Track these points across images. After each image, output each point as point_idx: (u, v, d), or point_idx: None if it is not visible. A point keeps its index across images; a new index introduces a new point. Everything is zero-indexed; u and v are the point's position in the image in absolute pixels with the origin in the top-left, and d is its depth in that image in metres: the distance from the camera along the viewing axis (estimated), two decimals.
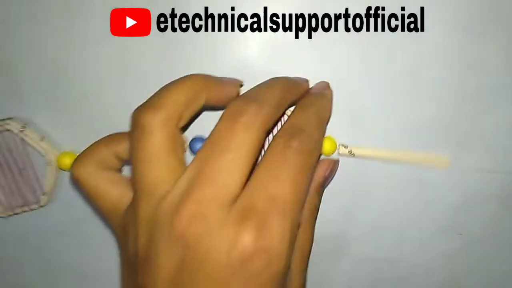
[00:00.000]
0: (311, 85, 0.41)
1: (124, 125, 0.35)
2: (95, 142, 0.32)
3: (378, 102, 0.43)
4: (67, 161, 0.39)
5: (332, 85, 0.42)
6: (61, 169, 0.40)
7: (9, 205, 0.41)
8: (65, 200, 0.42)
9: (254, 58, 0.43)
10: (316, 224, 0.40)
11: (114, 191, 0.29)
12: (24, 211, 0.41)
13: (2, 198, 0.41)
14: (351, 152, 0.41)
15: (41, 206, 0.41)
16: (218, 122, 0.28)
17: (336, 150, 0.41)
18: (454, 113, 0.43)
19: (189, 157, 0.39)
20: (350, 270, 0.46)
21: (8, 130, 0.39)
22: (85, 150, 0.32)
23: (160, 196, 0.25)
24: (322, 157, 0.41)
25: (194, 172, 0.25)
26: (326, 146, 0.40)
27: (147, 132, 0.26)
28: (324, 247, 0.44)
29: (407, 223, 0.44)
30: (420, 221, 0.44)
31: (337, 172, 0.42)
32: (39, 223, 0.43)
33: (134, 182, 0.27)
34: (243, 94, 0.31)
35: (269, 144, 0.29)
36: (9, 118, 0.40)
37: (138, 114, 0.27)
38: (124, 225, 0.28)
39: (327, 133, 0.39)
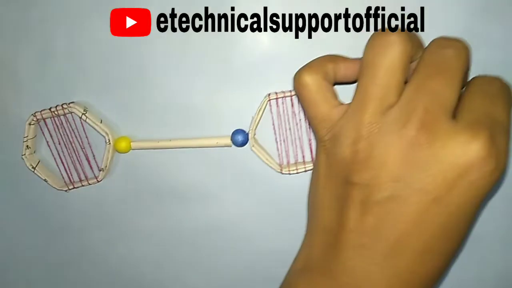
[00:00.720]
0: None
1: (169, 112, 0.45)
2: (320, 58, 0.34)
3: None
4: (123, 144, 0.45)
5: None
6: (116, 151, 0.45)
7: (70, 180, 0.46)
8: (119, 176, 0.47)
9: (254, 58, 0.44)
10: None
11: (331, 101, 0.32)
12: (83, 185, 0.46)
13: (64, 174, 0.46)
14: None
15: (99, 181, 0.46)
16: (429, 50, 0.31)
17: None
18: None
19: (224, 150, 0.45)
20: None
21: (71, 112, 0.45)
22: (313, 62, 0.34)
23: (389, 104, 0.28)
24: None
25: (417, 86, 0.28)
26: None
27: (392, 43, 0.29)
28: None
29: None
30: None
31: None
32: (96, 196, 0.48)
33: (364, 90, 0.30)
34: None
35: (469, 81, 0.32)
36: (72, 102, 0.44)
37: (381, 33, 0.31)
38: (334, 132, 0.31)
39: None
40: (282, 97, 0.43)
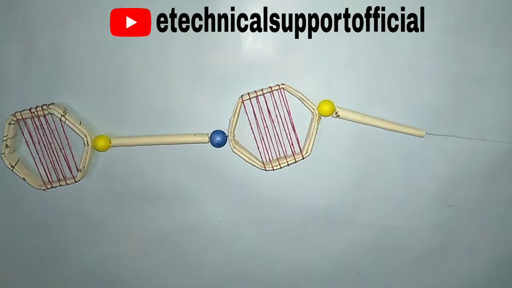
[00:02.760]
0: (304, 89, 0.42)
1: (148, 114, 0.44)
2: None
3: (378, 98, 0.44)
4: (102, 143, 0.43)
5: (333, 80, 0.43)
6: (96, 150, 0.44)
7: (49, 180, 0.45)
8: (97, 177, 0.46)
9: (254, 58, 0.43)
10: (327, 195, 0.46)
11: None
12: (61, 185, 0.45)
13: (43, 173, 0.45)
14: (337, 114, 0.43)
15: (76, 181, 0.45)
16: None
17: (334, 113, 0.43)
18: (447, 101, 0.45)
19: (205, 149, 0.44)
20: (355, 235, 0.49)
21: (51, 114, 0.43)
22: None
23: None
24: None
25: None
26: (326, 108, 0.42)
27: None
28: (334, 215, 0.48)
29: (404, 196, 0.48)
30: (416, 194, 0.48)
31: (348, 152, 0.45)
32: (74, 195, 0.46)
33: None
34: None
35: None
36: (52, 104, 0.43)
37: None
38: None
39: (327, 97, 0.43)
40: (255, 97, 0.42)
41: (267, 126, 0.43)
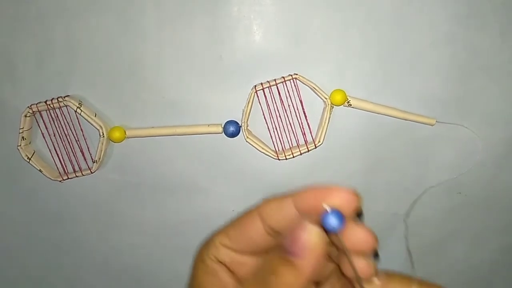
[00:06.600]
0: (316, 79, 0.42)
1: (162, 106, 0.44)
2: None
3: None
4: (117, 134, 0.44)
5: (344, 70, 0.44)
6: (111, 141, 0.45)
7: (65, 171, 0.46)
8: (113, 168, 0.47)
9: (267, 49, 0.43)
10: (339, 183, 0.43)
11: None
12: (77, 176, 0.46)
13: (59, 165, 0.46)
14: (349, 103, 0.43)
15: (92, 172, 0.45)
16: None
17: (346, 102, 0.43)
18: (456, 89, 0.45)
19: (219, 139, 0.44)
20: (366, 223, 0.47)
21: (66, 106, 0.44)
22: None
23: None
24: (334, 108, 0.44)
25: None
26: (338, 98, 0.42)
27: None
28: None
29: (414, 184, 0.48)
30: (426, 182, 0.48)
31: (360, 141, 0.46)
32: (90, 186, 0.47)
33: None
34: None
35: None
36: (67, 96, 0.44)
37: None
38: None
39: (339, 87, 0.43)
40: (268, 87, 0.43)
41: (280, 116, 0.44)
